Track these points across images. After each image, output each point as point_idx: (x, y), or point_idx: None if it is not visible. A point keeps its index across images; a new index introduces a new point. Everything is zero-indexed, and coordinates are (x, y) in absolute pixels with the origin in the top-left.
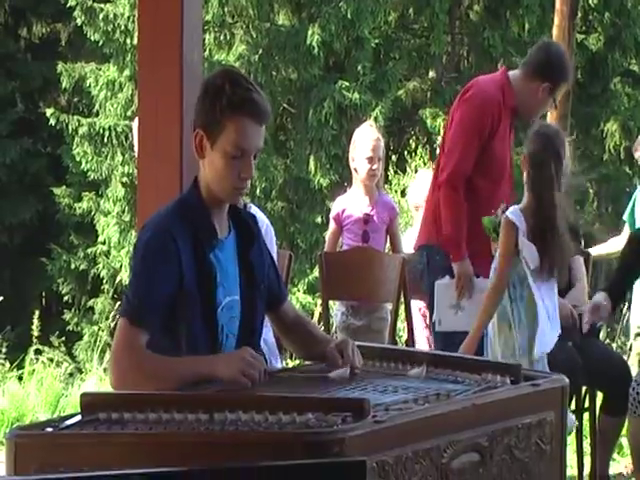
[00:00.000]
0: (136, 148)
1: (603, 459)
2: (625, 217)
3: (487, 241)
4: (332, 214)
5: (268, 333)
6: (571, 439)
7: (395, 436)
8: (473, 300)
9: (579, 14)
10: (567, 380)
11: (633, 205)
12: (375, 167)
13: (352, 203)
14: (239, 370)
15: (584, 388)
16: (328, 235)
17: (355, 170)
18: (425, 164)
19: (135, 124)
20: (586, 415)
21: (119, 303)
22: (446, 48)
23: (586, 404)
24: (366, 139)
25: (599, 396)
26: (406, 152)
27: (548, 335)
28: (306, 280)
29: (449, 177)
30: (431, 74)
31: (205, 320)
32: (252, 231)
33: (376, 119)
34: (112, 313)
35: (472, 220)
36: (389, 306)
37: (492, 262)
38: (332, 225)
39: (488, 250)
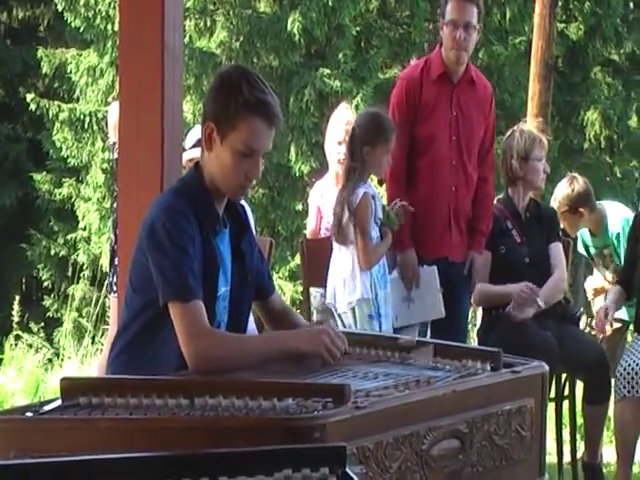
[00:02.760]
0: (111, 134)
1: (593, 448)
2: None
3: (437, 225)
4: (310, 199)
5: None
6: (550, 426)
7: (375, 422)
8: (421, 290)
9: (560, 3)
10: (547, 367)
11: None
12: (344, 151)
13: (329, 188)
14: (324, 345)
15: (564, 376)
16: (309, 220)
17: (329, 154)
18: None
19: (111, 109)
20: (566, 403)
21: (102, 290)
22: (427, 36)
23: (566, 392)
24: (338, 122)
25: (579, 385)
26: None
27: None
28: (287, 267)
29: (388, 172)
30: (412, 62)
31: (206, 306)
32: (244, 222)
33: (357, 107)
34: (94, 299)
35: (425, 197)
36: None
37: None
38: (312, 210)
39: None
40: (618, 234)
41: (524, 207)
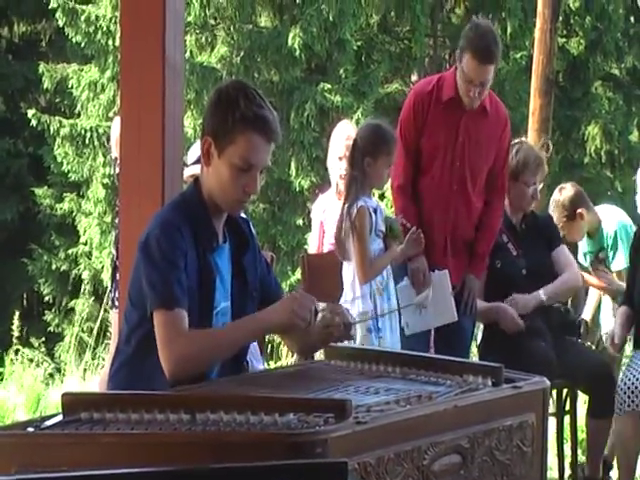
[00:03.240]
0: (113, 149)
1: (595, 463)
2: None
3: (433, 247)
4: (313, 214)
5: None
6: (552, 442)
7: (377, 437)
8: (433, 295)
9: (560, 18)
10: (548, 382)
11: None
12: (345, 167)
13: (331, 203)
14: (292, 311)
15: (565, 390)
16: (312, 235)
17: (331, 169)
18: None
19: (114, 125)
20: (567, 418)
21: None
22: (428, 51)
23: (567, 407)
24: (339, 138)
25: (581, 398)
26: None
27: None
28: (288, 282)
29: (396, 183)
30: (413, 77)
31: (201, 322)
32: (246, 236)
33: (357, 122)
34: (95, 314)
35: (424, 216)
36: None
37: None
38: (315, 225)
39: (433, 256)
40: (614, 235)
41: (519, 219)
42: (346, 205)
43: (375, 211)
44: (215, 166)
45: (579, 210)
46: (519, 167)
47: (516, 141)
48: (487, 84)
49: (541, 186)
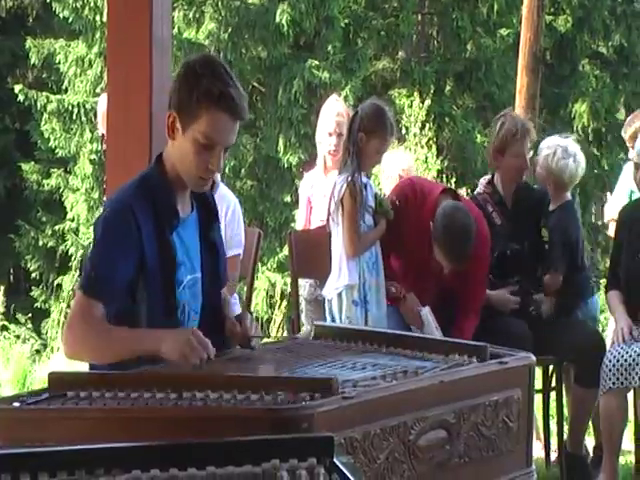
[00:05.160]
0: (100, 125)
1: (577, 438)
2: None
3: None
4: (301, 190)
5: (235, 306)
6: (538, 418)
7: (363, 412)
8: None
9: None
10: (534, 358)
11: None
12: (335, 142)
13: (319, 179)
14: (181, 353)
15: (550, 367)
16: (300, 211)
17: (319, 144)
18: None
19: (101, 101)
20: (552, 395)
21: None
22: (415, 28)
23: (553, 384)
24: (329, 114)
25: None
26: None
27: None
28: (276, 258)
29: None
30: (400, 54)
31: (166, 300)
32: (213, 210)
33: (346, 98)
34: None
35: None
36: None
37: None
38: (302, 201)
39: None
40: None
41: (510, 192)
42: (338, 178)
43: (365, 187)
44: (179, 141)
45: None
46: (505, 141)
47: (500, 114)
48: None
49: (530, 154)
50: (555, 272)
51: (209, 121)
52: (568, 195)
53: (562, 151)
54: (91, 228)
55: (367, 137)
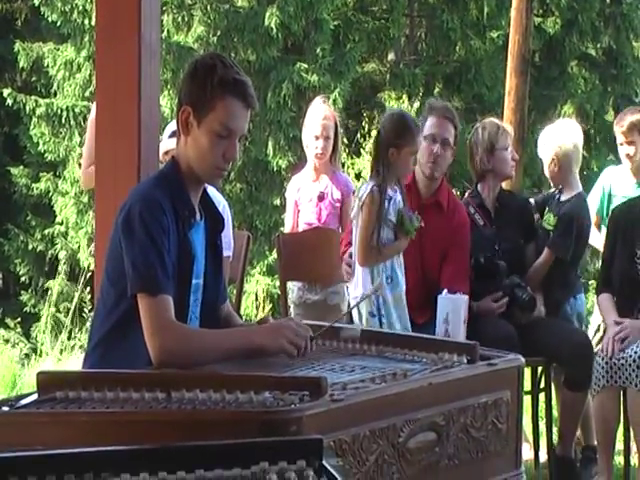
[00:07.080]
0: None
1: (567, 440)
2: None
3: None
4: (288, 193)
5: None
6: (527, 419)
7: (352, 415)
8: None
9: None
10: (523, 360)
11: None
12: (322, 145)
13: (306, 182)
14: (287, 339)
15: (539, 368)
16: (287, 214)
17: (306, 147)
18: None
19: (93, 109)
20: (542, 396)
21: (80, 284)
22: (405, 30)
23: (542, 385)
24: (316, 117)
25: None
26: (359, 135)
27: None
28: (265, 262)
29: None
30: (390, 56)
31: (179, 298)
32: (219, 217)
33: (335, 101)
34: (71, 295)
35: None
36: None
37: None
38: (290, 204)
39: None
40: None
41: (493, 199)
42: (366, 183)
43: (390, 200)
44: (194, 135)
45: None
46: (491, 137)
47: (475, 126)
48: (448, 148)
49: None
50: (549, 249)
51: (226, 108)
52: (579, 186)
53: (556, 132)
54: (80, 232)
55: (398, 150)
